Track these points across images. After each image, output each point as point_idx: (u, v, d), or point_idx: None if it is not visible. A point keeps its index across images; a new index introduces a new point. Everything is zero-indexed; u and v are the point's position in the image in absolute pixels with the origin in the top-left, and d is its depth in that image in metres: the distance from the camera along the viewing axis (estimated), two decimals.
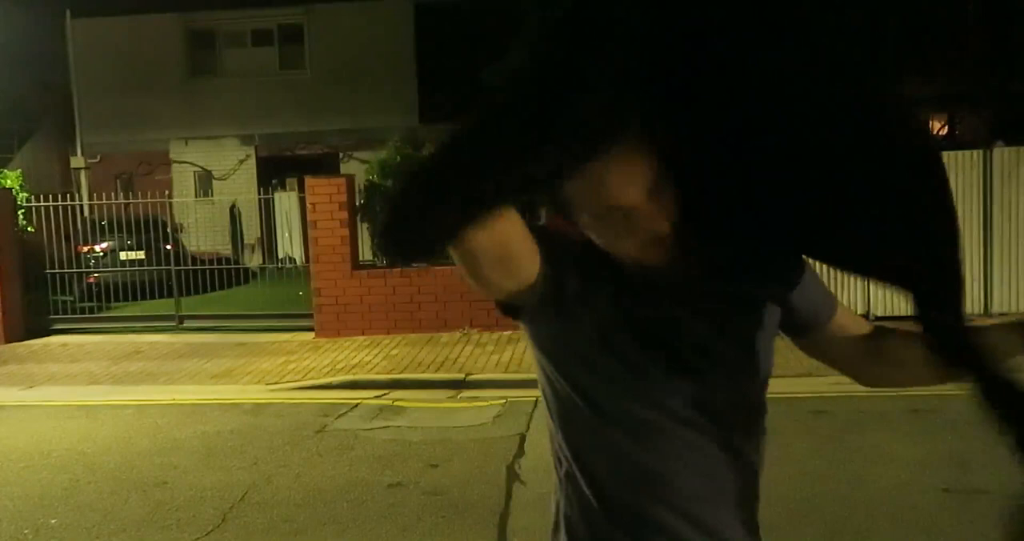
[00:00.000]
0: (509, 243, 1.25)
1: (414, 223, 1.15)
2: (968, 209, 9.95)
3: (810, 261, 1.52)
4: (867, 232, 1.37)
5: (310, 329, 10.82)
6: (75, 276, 12.43)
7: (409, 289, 10.62)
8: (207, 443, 6.72)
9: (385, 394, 8.03)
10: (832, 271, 1.54)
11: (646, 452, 1.43)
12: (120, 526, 5.10)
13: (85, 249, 12.90)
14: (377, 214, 11.15)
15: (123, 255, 13.15)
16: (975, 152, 10.09)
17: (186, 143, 19.63)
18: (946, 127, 22.99)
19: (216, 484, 5.74)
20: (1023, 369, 1.34)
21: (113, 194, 14.25)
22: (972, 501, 4.99)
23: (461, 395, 8.04)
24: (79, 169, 18.96)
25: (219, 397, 8.22)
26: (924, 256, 1.37)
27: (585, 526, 1.48)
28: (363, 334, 10.53)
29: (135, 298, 12.11)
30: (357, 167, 15.75)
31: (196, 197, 18.72)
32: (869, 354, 1.58)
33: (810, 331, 1.57)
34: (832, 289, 1.65)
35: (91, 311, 12.26)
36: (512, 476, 5.56)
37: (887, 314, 10.01)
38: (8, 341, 11.21)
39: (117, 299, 12.45)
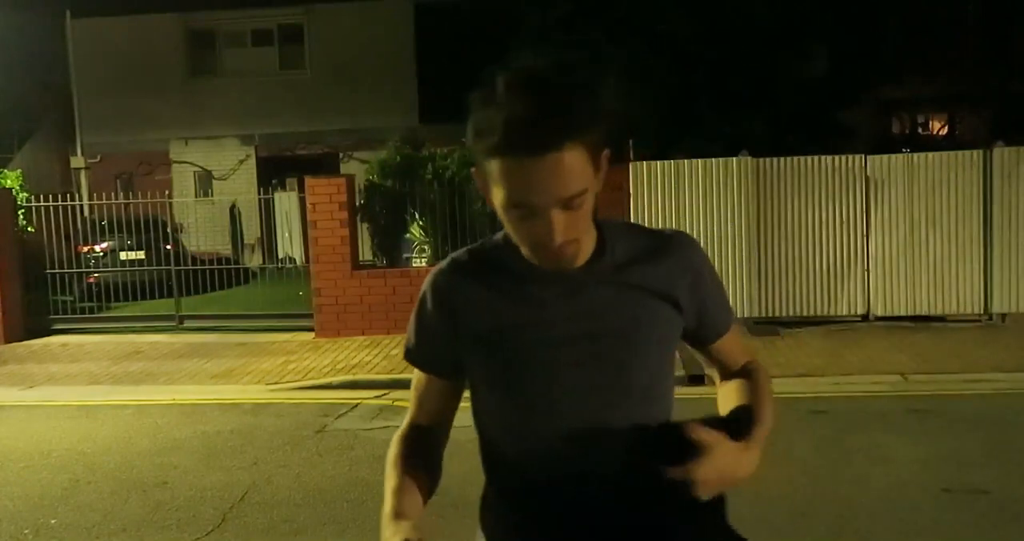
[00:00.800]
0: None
1: None
2: (968, 209, 9.95)
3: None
4: None
5: (310, 329, 10.82)
6: (75, 276, 12.42)
7: (409, 289, 10.61)
8: (207, 443, 6.71)
9: (385, 394, 8.03)
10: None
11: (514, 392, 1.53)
12: (120, 526, 5.10)
13: (85, 249, 12.89)
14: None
15: (123, 255, 13.14)
16: (975, 152, 10.08)
17: (186, 143, 19.63)
18: (946, 127, 22.99)
19: (216, 484, 5.74)
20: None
21: (113, 194, 14.24)
22: (972, 501, 4.99)
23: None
24: (79, 169, 18.94)
25: (219, 397, 8.22)
26: None
27: (488, 488, 1.62)
28: (363, 334, 10.53)
29: (135, 298, 12.11)
30: (357, 167, 15.75)
31: (196, 197, 18.71)
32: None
33: (696, 341, 1.64)
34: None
35: (91, 311, 12.26)
36: None
37: (887, 314, 10.03)
38: (8, 341, 11.20)
39: (117, 299, 12.44)
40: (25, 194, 12.72)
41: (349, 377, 8.64)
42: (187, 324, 11.57)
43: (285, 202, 12.01)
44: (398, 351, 9.47)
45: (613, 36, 12.15)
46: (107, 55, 19.05)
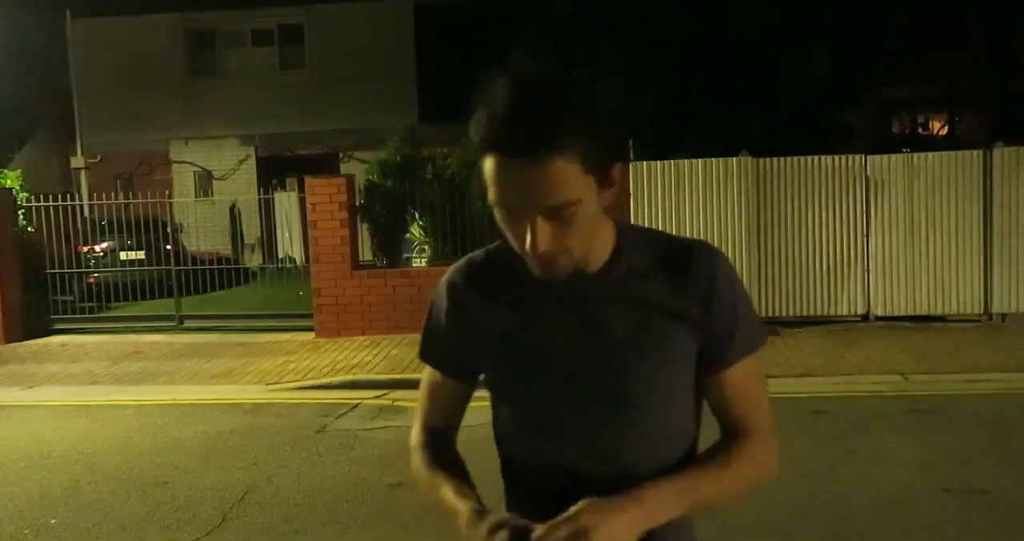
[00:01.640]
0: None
1: None
2: (968, 209, 9.95)
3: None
4: None
5: (310, 329, 10.82)
6: (75, 276, 12.42)
7: (409, 289, 10.62)
8: (207, 443, 6.71)
9: (385, 394, 8.02)
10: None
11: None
12: (120, 526, 5.10)
13: (85, 249, 12.89)
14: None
15: (123, 255, 13.14)
16: (975, 152, 10.08)
17: (186, 143, 19.63)
18: (946, 127, 23.00)
19: (216, 484, 5.74)
20: None
21: (113, 194, 14.24)
22: (972, 501, 4.99)
23: None
24: (79, 169, 18.93)
25: (219, 397, 8.22)
26: None
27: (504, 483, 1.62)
28: (363, 334, 10.53)
29: (135, 298, 12.11)
30: (357, 167, 15.74)
31: (196, 197, 18.72)
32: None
33: (700, 368, 1.47)
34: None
35: (91, 311, 12.26)
36: None
37: (887, 314, 10.03)
38: (8, 341, 11.20)
39: (117, 299, 12.44)
40: (25, 194, 12.72)
41: (349, 377, 8.63)
42: (187, 324, 11.57)
43: (285, 202, 12.01)
44: (398, 351, 9.50)
45: (613, 36, 12.15)
46: (107, 55, 19.05)
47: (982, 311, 10.01)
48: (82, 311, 12.24)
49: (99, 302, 12.34)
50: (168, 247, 12.66)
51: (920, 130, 23.34)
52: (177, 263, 12.09)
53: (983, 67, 18.66)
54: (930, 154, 10.31)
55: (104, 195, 13.32)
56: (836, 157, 10.15)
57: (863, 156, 10.18)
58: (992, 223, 9.91)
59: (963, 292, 9.98)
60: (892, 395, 7.44)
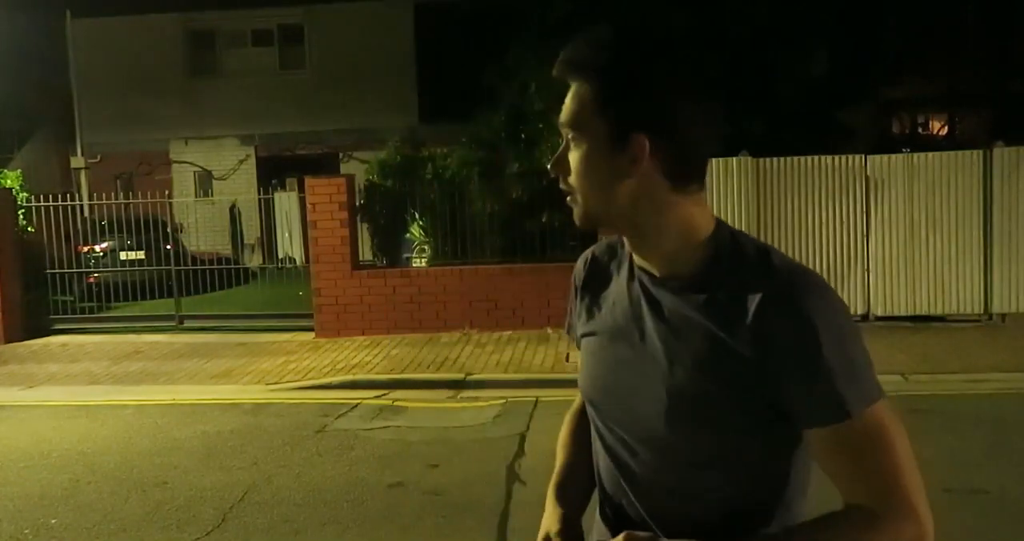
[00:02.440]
0: None
1: None
2: (968, 209, 9.95)
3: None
4: None
5: (310, 329, 10.82)
6: (75, 276, 12.43)
7: (409, 289, 10.62)
8: (207, 443, 6.71)
9: (385, 394, 8.03)
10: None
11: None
12: (120, 526, 5.10)
13: (85, 249, 12.89)
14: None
15: (123, 255, 13.14)
16: (975, 152, 10.09)
17: (186, 143, 19.63)
18: (946, 127, 22.99)
19: (216, 484, 5.74)
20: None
21: (113, 194, 14.25)
22: (972, 501, 4.99)
23: (461, 395, 8.04)
24: (79, 169, 18.95)
25: (219, 397, 8.22)
26: None
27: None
28: (363, 334, 10.53)
29: (135, 298, 12.11)
30: (357, 167, 15.74)
31: (196, 197, 18.71)
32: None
33: (786, 421, 1.29)
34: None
35: (91, 311, 12.26)
36: (512, 476, 5.56)
37: (887, 314, 10.03)
38: (8, 341, 11.21)
39: (117, 299, 12.44)
40: (25, 194, 12.72)
41: (349, 377, 8.63)
42: (187, 324, 11.58)
43: (285, 202, 12.01)
44: (398, 351, 9.52)
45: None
46: (107, 55, 19.06)
47: (982, 311, 10.01)
48: (82, 311, 12.25)
49: (99, 302, 12.34)
50: (168, 247, 12.66)
51: (920, 130, 23.32)
52: (177, 263, 12.09)
53: (983, 67, 18.65)
54: (930, 154, 10.31)
55: (104, 195, 13.32)
56: (836, 157, 10.15)
57: (863, 156, 10.18)
58: (992, 223, 9.91)
59: (963, 292, 9.99)
60: (892, 395, 7.37)
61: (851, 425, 1.24)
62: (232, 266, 12.55)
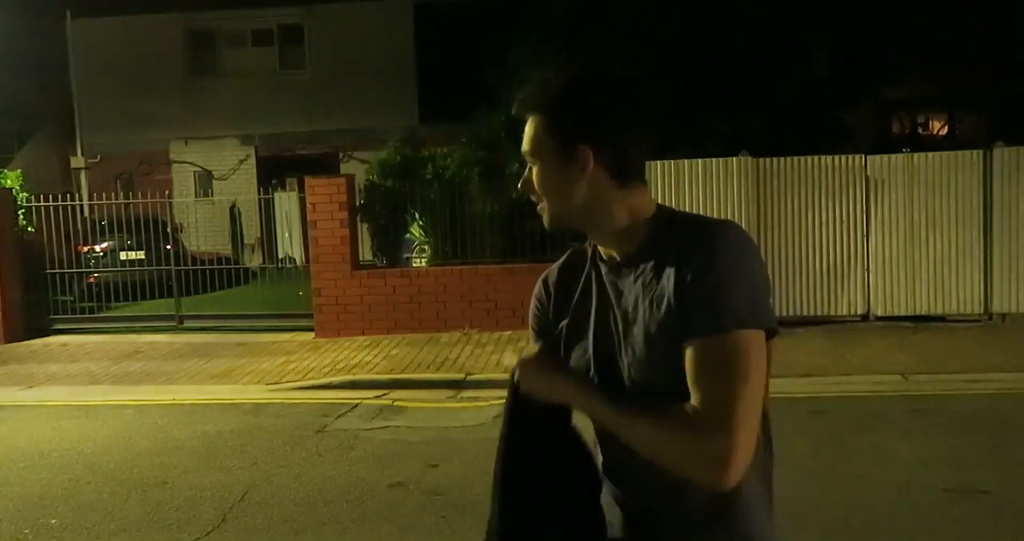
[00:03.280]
0: None
1: None
2: (968, 209, 9.95)
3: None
4: None
5: (310, 329, 10.82)
6: (75, 276, 12.42)
7: (409, 289, 10.62)
8: (207, 443, 6.71)
9: (385, 394, 8.03)
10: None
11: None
12: (120, 526, 5.10)
13: (85, 249, 12.89)
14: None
15: (123, 255, 13.15)
16: (975, 152, 10.08)
17: (186, 143, 19.64)
18: (946, 127, 23.00)
19: (216, 484, 5.74)
20: None
21: (113, 194, 14.24)
22: (972, 501, 4.99)
23: (461, 395, 8.04)
24: (79, 169, 18.96)
25: (219, 397, 8.22)
26: None
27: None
28: (363, 334, 10.53)
29: (135, 298, 12.11)
30: (357, 167, 15.74)
31: (196, 197, 18.71)
32: None
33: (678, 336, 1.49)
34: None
35: (91, 311, 12.26)
36: None
37: (887, 314, 10.03)
38: (8, 341, 11.21)
39: (117, 299, 12.44)
40: (25, 194, 12.72)
41: (349, 377, 8.63)
42: (187, 324, 11.58)
43: (285, 202, 12.01)
44: (398, 351, 9.51)
45: (613, 36, 12.14)
46: (107, 55, 19.06)
47: (982, 311, 10.01)
48: (82, 311, 12.25)
49: (99, 302, 12.34)
50: (168, 247, 12.66)
51: (920, 130, 23.33)
52: (177, 263, 12.10)
53: (983, 67, 18.65)
54: (930, 154, 10.31)
55: (104, 195, 13.32)
56: (836, 157, 10.15)
57: (863, 156, 10.18)
58: (992, 223, 9.91)
59: (963, 292, 9.98)
60: (892, 395, 7.44)
61: (718, 340, 1.43)
62: (232, 266, 12.55)
